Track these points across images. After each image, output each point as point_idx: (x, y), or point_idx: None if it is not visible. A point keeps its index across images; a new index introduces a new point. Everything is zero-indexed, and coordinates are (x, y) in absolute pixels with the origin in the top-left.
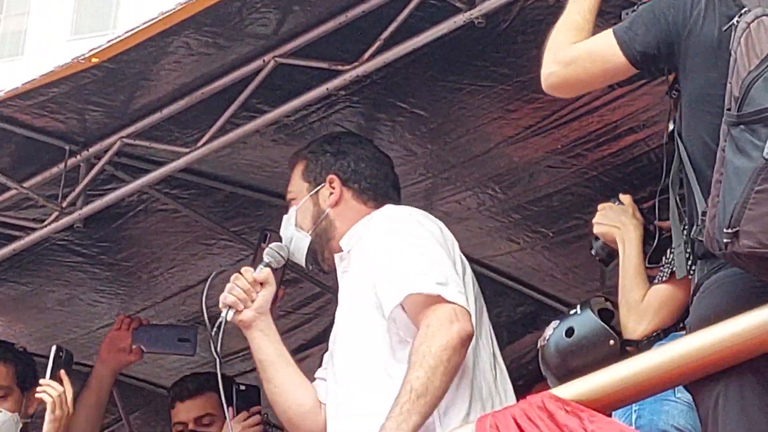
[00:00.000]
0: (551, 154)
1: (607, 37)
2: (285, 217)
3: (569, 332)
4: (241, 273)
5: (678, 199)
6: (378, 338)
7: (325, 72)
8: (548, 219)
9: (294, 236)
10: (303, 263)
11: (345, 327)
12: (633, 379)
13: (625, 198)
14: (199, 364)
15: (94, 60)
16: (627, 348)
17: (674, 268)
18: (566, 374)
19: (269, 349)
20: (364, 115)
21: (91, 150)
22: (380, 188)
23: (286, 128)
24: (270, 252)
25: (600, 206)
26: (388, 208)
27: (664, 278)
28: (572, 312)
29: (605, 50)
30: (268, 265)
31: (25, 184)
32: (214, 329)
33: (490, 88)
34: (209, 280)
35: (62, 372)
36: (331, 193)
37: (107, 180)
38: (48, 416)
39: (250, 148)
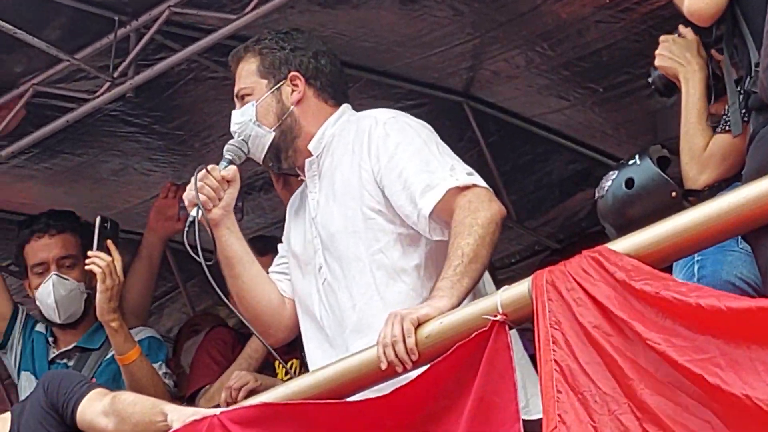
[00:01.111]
0: (599, 9)
1: None
2: (237, 111)
3: (629, 183)
4: (208, 170)
5: (732, 53)
6: (388, 242)
7: None
8: (598, 75)
9: (254, 132)
10: (261, 160)
11: (339, 230)
12: (689, 232)
13: (687, 31)
14: (254, 230)
15: None
16: (689, 198)
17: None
18: (625, 224)
19: (237, 246)
20: None
21: (141, 20)
22: (338, 86)
23: None
24: (231, 149)
25: (662, 38)
26: (369, 114)
27: (726, 128)
28: (631, 162)
29: None
30: (231, 161)
31: (77, 56)
32: (186, 229)
33: None
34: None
35: (109, 242)
36: (294, 91)
37: (157, 49)
38: (99, 286)
39: (298, 12)
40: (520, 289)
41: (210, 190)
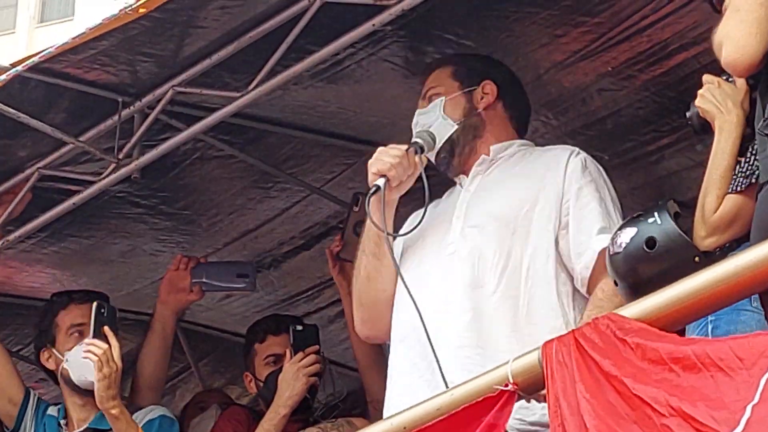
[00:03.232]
0: (602, 77)
1: None
2: (428, 106)
3: (650, 243)
4: (407, 152)
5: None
6: (547, 268)
7: (371, 8)
8: (603, 142)
9: (438, 122)
10: (437, 149)
11: (496, 228)
12: (699, 295)
13: (740, 80)
14: (264, 307)
15: (142, 10)
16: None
17: (754, 178)
18: (639, 283)
19: (390, 229)
20: (412, 49)
21: (144, 100)
22: (524, 114)
23: (335, 67)
24: (422, 135)
25: (707, 78)
26: (581, 154)
27: (739, 188)
28: (650, 220)
29: None
30: (422, 148)
31: (81, 138)
32: (368, 196)
33: (536, 14)
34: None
35: (106, 328)
36: (484, 97)
37: (162, 129)
38: (96, 375)
39: (301, 89)
40: (530, 358)
41: (402, 170)
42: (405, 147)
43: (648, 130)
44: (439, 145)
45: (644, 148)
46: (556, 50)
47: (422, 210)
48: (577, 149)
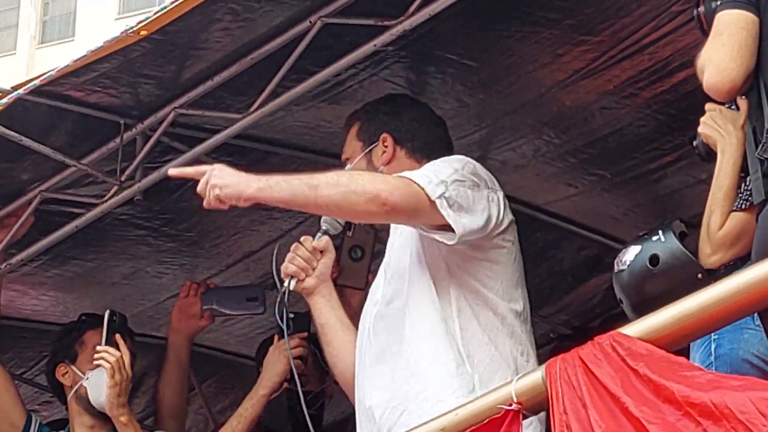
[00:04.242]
0: (604, 96)
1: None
2: None
3: (653, 260)
4: (300, 242)
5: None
6: (424, 289)
7: (372, 29)
8: (605, 161)
9: None
10: (357, 221)
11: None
12: (702, 313)
13: (743, 103)
14: (267, 328)
15: (143, 33)
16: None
17: (751, 197)
18: (643, 300)
19: (330, 314)
20: (414, 70)
21: (146, 122)
22: (434, 149)
23: (337, 87)
24: (327, 219)
25: (708, 105)
26: None
27: (743, 206)
28: (654, 238)
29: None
30: (326, 232)
31: (83, 161)
32: (278, 299)
33: (538, 33)
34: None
35: (118, 336)
36: (384, 152)
37: (164, 151)
38: (108, 381)
39: (303, 109)
40: (533, 377)
41: (301, 261)
42: (311, 240)
43: (650, 148)
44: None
45: (646, 166)
46: (557, 69)
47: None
48: None
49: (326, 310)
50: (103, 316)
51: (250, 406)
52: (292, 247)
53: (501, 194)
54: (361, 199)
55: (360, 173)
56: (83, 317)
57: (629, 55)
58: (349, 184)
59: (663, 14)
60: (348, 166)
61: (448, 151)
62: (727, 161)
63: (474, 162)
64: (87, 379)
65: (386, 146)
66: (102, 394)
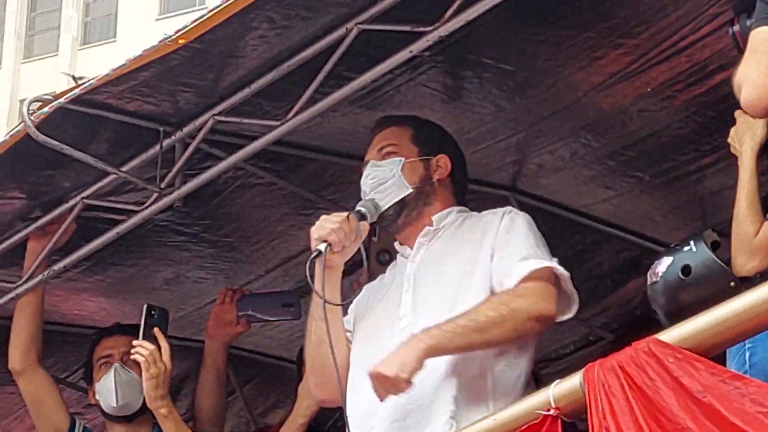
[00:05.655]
0: (641, 98)
1: None
2: (382, 161)
3: (685, 270)
4: (348, 218)
5: None
6: None
7: (408, 35)
8: (643, 163)
9: (394, 180)
10: (384, 209)
11: (442, 300)
12: (737, 319)
13: None
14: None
15: (181, 41)
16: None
17: None
18: (677, 310)
19: (336, 295)
20: (450, 75)
21: (185, 130)
22: (464, 186)
23: (373, 93)
24: (366, 204)
25: (738, 112)
26: (513, 212)
27: None
28: (686, 248)
29: None
30: (363, 216)
31: (124, 168)
32: (309, 260)
33: (574, 36)
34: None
35: (156, 330)
36: (437, 169)
37: (203, 158)
38: (144, 374)
39: (340, 115)
40: (572, 382)
41: (343, 235)
42: (345, 214)
43: (689, 150)
44: (386, 205)
45: (685, 168)
46: (594, 72)
47: (371, 282)
48: (510, 208)
49: (335, 290)
50: (114, 325)
51: None
52: (337, 218)
53: None
54: (529, 325)
55: (506, 296)
56: (93, 337)
57: (667, 58)
58: (514, 316)
59: (700, 17)
60: (400, 159)
61: (464, 201)
62: (743, 171)
63: None
64: (97, 392)
65: (440, 165)
66: (107, 398)
